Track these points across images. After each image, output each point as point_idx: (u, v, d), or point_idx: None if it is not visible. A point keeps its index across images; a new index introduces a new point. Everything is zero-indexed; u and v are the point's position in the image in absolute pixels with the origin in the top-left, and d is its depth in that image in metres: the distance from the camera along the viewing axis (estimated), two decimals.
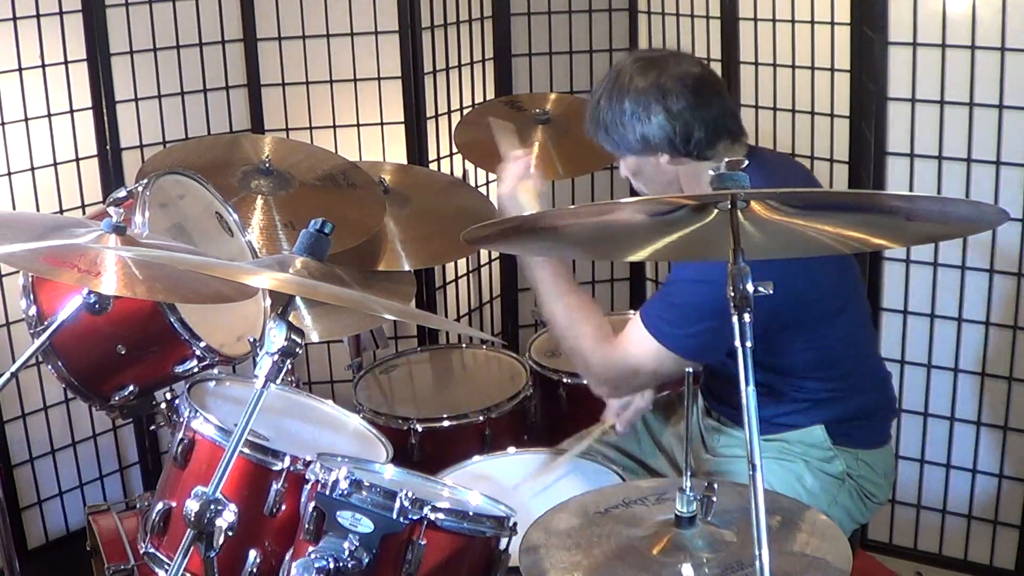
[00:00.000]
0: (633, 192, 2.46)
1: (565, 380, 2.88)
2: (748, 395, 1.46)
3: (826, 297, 2.22)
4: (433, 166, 3.54)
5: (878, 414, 2.39)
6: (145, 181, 2.29)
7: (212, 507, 1.61)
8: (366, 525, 1.77)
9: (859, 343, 2.35)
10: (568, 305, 2.31)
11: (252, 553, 1.95)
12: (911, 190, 2.92)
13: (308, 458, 1.95)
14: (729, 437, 2.40)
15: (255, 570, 1.95)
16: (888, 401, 2.44)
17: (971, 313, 2.93)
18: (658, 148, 2.20)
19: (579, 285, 2.38)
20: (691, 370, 1.80)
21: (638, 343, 2.20)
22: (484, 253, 3.83)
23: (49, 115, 2.96)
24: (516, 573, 1.75)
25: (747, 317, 1.48)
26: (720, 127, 2.20)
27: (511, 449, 2.46)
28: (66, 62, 2.97)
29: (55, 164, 3.00)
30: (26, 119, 2.92)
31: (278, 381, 1.71)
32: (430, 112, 3.50)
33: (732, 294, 1.49)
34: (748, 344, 1.48)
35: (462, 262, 3.73)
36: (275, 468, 1.96)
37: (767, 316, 2.09)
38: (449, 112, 3.59)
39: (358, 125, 3.45)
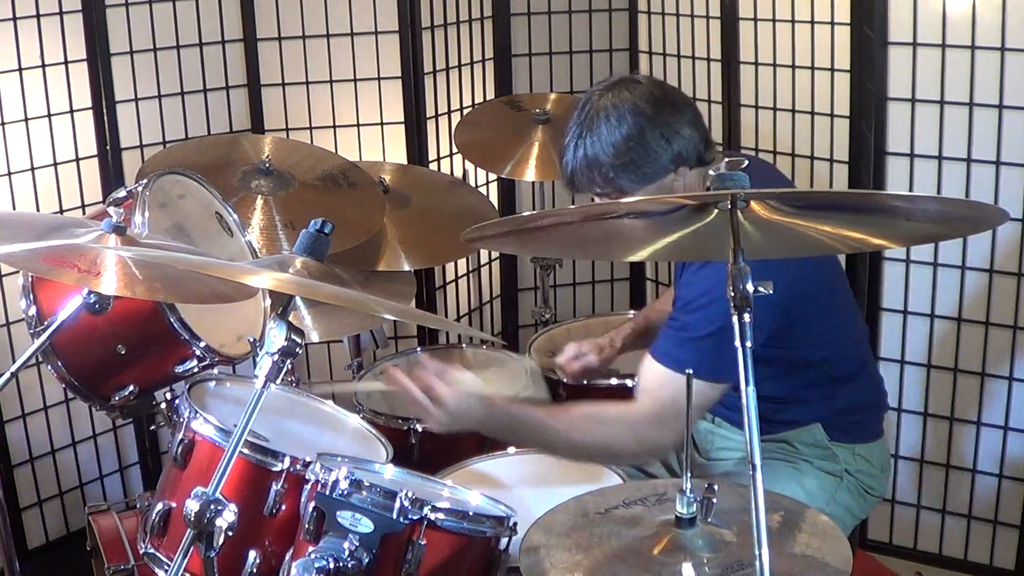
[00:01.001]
0: None
1: (565, 380, 2.87)
2: (748, 395, 1.46)
3: (823, 288, 2.24)
4: (433, 166, 3.54)
5: (872, 407, 2.40)
6: (145, 181, 2.29)
7: (212, 507, 1.60)
8: (366, 525, 1.77)
9: (851, 335, 2.36)
10: (559, 434, 2.17)
11: (252, 553, 1.95)
12: (911, 190, 2.92)
13: (308, 458, 1.95)
14: (724, 439, 2.40)
15: (255, 570, 1.95)
16: (880, 394, 2.45)
17: (971, 313, 2.93)
18: (686, 160, 2.15)
19: (525, 408, 2.23)
20: (690, 371, 1.80)
21: (665, 387, 2.12)
22: (484, 253, 3.83)
23: (49, 115, 2.96)
24: (516, 573, 1.75)
25: (747, 317, 1.48)
26: (705, 129, 2.21)
27: (511, 449, 2.46)
28: (66, 62, 2.96)
29: (55, 164, 3.00)
30: (26, 119, 2.92)
31: (278, 381, 1.71)
32: (430, 112, 3.50)
33: (732, 294, 1.49)
34: (748, 344, 1.48)
35: (462, 262, 3.73)
36: (275, 469, 1.96)
37: (780, 312, 2.11)
38: (449, 112, 3.59)
39: (358, 125, 3.45)
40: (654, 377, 2.15)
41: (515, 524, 1.89)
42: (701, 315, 2.10)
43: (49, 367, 2.22)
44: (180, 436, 2.04)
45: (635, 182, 2.15)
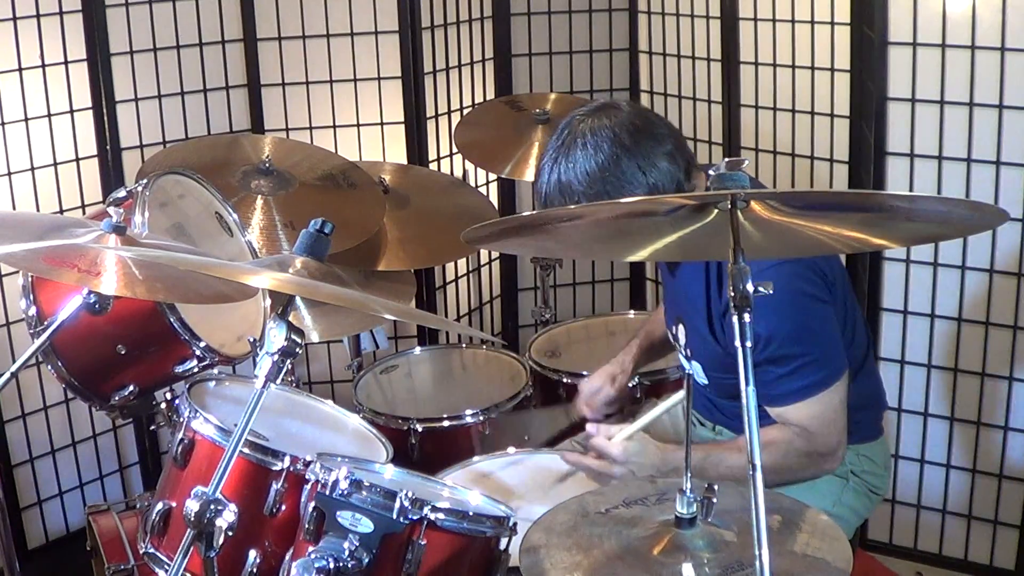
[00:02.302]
0: None
1: (565, 380, 2.88)
2: (748, 395, 1.45)
3: (836, 282, 2.23)
4: (433, 166, 3.54)
5: (873, 406, 2.40)
6: (145, 181, 2.29)
7: (212, 507, 1.60)
8: (366, 525, 1.77)
9: (855, 335, 2.36)
10: (736, 462, 2.14)
11: (252, 553, 1.94)
12: (911, 190, 2.92)
13: (308, 458, 1.95)
14: None
15: (255, 570, 1.95)
16: (880, 392, 2.45)
17: (971, 313, 2.93)
18: (662, 192, 2.10)
19: (699, 447, 2.19)
20: (690, 371, 1.80)
21: (804, 418, 2.12)
22: (484, 253, 3.83)
23: (49, 115, 2.96)
24: (516, 573, 1.75)
25: (747, 317, 1.48)
26: (688, 155, 2.16)
27: (511, 449, 2.46)
28: (66, 62, 2.97)
29: (55, 164, 3.00)
30: (26, 119, 2.92)
31: (278, 381, 1.71)
32: (430, 112, 3.50)
33: (732, 294, 1.49)
34: (748, 344, 1.47)
35: (462, 262, 3.73)
36: (275, 468, 1.96)
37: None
38: (449, 112, 3.59)
39: (358, 125, 3.45)
40: (794, 414, 2.13)
41: (515, 524, 1.89)
42: (791, 343, 2.08)
43: (49, 367, 2.22)
44: (180, 436, 2.04)
45: None
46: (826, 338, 2.14)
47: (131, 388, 2.24)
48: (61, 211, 3.02)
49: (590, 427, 2.26)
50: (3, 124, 2.89)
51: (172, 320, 2.14)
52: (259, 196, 2.85)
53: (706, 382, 2.32)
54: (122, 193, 2.30)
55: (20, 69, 2.89)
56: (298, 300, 2.52)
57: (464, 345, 3.29)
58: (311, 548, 1.77)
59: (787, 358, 2.08)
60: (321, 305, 2.93)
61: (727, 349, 2.17)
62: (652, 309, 3.40)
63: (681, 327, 2.32)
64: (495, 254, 3.86)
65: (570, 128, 2.13)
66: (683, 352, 2.34)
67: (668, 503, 1.77)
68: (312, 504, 1.82)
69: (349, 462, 1.95)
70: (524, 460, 2.42)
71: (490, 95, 3.69)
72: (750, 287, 1.49)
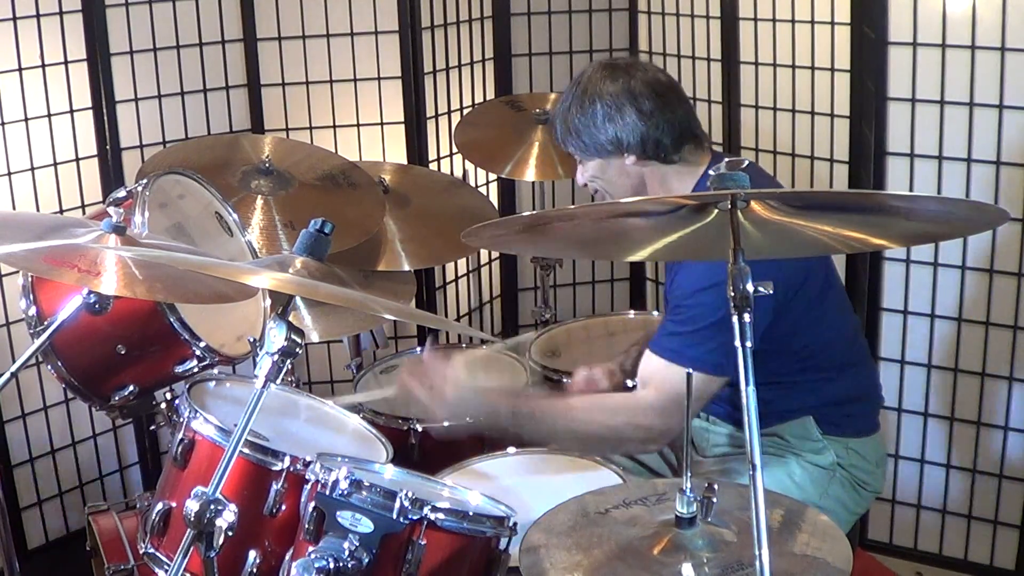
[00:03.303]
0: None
1: (565, 380, 2.87)
2: (748, 395, 1.46)
3: (815, 278, 2.26)
4: (433, 166, 3.54)
5: (865, 401, 2.40)
6: (145, 181, 2.29)
7: (212, 507, 1.60)
8: (366, 525, 1.77)
9: (839, 327, 2.37)
10: (560, 422, 2.26)
11: (252, 553, 1.94)
12: (911, 190, 2.92)
13: (308, 458, 1.94)
14: (716, 435, 2.41)
15: (255, 570, 1.94)
16: (874, 388, 2.46)
17: (971, 313, 2.93)
18: (627, 149, 2.27)
19: (526, 398, 2.35)
20: (690, 370, 1.80)
21: (667, 378, 2.17)
22: (484, 253, 3.83)
23: (49, 115, 2.96)
24: (516, 573, 1.75)
25: (747, 317, 1.48)
26: (685, 131, 2.28)
27: (511, 449, 2.46)
28: (66, 62, 2.97)
29: (55, 164, 3.00)
30: (26, 119, 2.92)
31: (278, 381, 1.71)
32: (430, 112, 3.50)
33: (732, 294, 1.49)
34: (748, 344, 1.48)
35: (462, 262, 3.73)
36: (275, 468, 1.96)
37: (776, 305, 2.12)
38: (449, 112, 3.59)
39: (358, 125, 3.45)
40: (655, 369, 2.20)
41: (515, 524, 1.89)
42: (698, 309, 2.14)
43: (49, 367, 2.22)
44: (180, 436, 2.04)
45: (578, 149, 2.33)
46: (729, 334, 2.12)
47: (131, 388, 2.24)
48: (61, 211, 3.02)
49: (426, 356, 2.39)
50: (3, 124, 2.89)
51: (172, 320, 2.14)
52: (259, 196, 2.85)
53: None
54: (122, 193, 2.30)
55: (20, 69, 2.89)
56: (298, 300, 2.52)
57: (464, 345, 3.29)
58: (311, 548, 1.77)
59: (694, 317, 2.15)
60: (321, 305, 2.93)
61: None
62: (652, 309, 3.39)
63: None
64: (495, 254, 3.86)
65: (581, 72, 2.34)
66: None
67: (668, 503, 1.78)
68: (312, 504, 1.82)
69: (349, 462, 1.95)
70: (524, 460, 2.42)
71: (490, 95, 3.69)
72: (750, 287, 1.49)
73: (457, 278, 3.74)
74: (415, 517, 1.77)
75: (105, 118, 3.06)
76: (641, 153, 2.27)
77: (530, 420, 2.26)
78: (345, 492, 1.78)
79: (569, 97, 2.31)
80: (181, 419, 2.06)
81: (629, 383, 2.60)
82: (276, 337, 1.69)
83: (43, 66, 2.93)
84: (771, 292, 1.50)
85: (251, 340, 2.30)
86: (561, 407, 2.30)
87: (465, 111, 3.61)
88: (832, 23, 3.04)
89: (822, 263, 2.29)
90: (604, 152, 2.30)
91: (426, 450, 2.68)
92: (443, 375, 2.29)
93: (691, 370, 2.07)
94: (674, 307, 2.22)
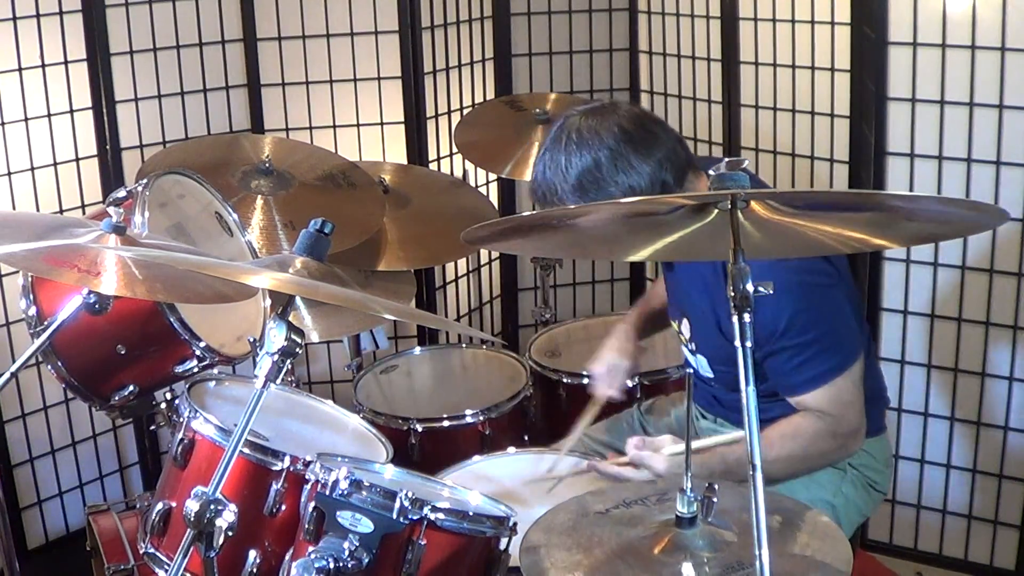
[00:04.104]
0: None
1: (565, 380, 2.88)
2: (748, 395, 1.46)
3: (842, 271, 2.24)
4: (433, 166, 3.54)
5: (874, 402, 2.40)
6: (145, 181, 2.29)
7: (212, 507, 1.60)
8: (366, 525, 1.77)
9: (863, 331, 2.37)
10: (778, 454, 2.15)
11: (252, 553, 1.95)
12: (911, 190, 2.92)
13: (308, 458, 1.95)
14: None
15: (255, 570, 1.95)
16: (881, 389, 2.45)
17: (971, 313, 2.93)
18: (644, 195, 2.12)
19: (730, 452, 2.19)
20: (690, 370, 1.80)
21: (828, 401, 2.13)
22: (484, 253, 3.83)
23: (49, 115, 2.96)
24: (516, 573, 1.75)
25: (747, 317, 1.48)
26: (684, 161, 2.17)
27: (511, 449, 2.46)
28: (66, 62, 2.97)
29: (55, 164, 3.00)
30: (26, 119, 2.92)
31: (278, 381, 1.71)
32: (430, 112, 3.50)
33: (732, 294, 1.49)
34: (748, 344, 1.48)
35: (462, 262, 3.73)
36: (275, 468, 1.96)
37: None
38: (449, 112, 3.59)
39: (358, 125, 3.45)
40: (810, 402, 2.14)
41: (515, 524, 1.89)
42: (795, 334, 2.09)
43: (49, 367, 2.22)
44: (180, 436, 2.04)
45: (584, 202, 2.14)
46: (838, 322, 2.15)
47: (131, 388, 2.24)
48: (61, 211, 3.02)
49: (632, 441, 2.22)
50: (3, 124, 2.89)
51: (172, 320, 2.14)
52: (259, 196, 2.85)
53: (711, 375, 2.32)
54: (122, 193, 2.30)
55: (20, 69, 2.89)
56: (298, 300, 2.52)
57: (464, 345, 3.29)
58: (311, 548, 1.77)
59: (802, 346, 2.10)
60: (321, 305, 2.93)
61: (733, 341, 2.17)
62: None
63: (685, 321, 2.33)
64: (495, 254, 3.86)
65: (563, 126, 2.16)
66: (688, 346, 2.34)
67: (668, 503, 1.77)
68: (312, 504, 1.82)
69: (349, 462, 1.95)
70: (524, 460, 2.42)
71: (490, 95, 3.69)
72: (750, 287, 1.49)
73: (457, 278, 3.74)
74: (415, 517, 1.78)
75: (105, 118, 3.06)
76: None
77: (738, 466, 2.14)
78: (345, 492, 1.79)
79: (561, 154, 2.13)
80: (181, 419, 2.06)
81: (630, 383, 2.59)
82: (276, 337, 1.69)
83: (43, 66, 2.93)
84: (771, 292, 1.50)
85: (251, 340, 2.30)
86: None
87: (465, 111, 3.61)
88: (832, 23, 3.04)
89: (845, 269, 2.27)
90: None
91: (426, 450, 2.69)
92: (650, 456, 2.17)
93: (834, 378, 2.10)
94: (777, 350, 2.13)
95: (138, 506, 2.56)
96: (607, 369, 2.54)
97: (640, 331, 2.63)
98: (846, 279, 2.23)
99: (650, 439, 2.23)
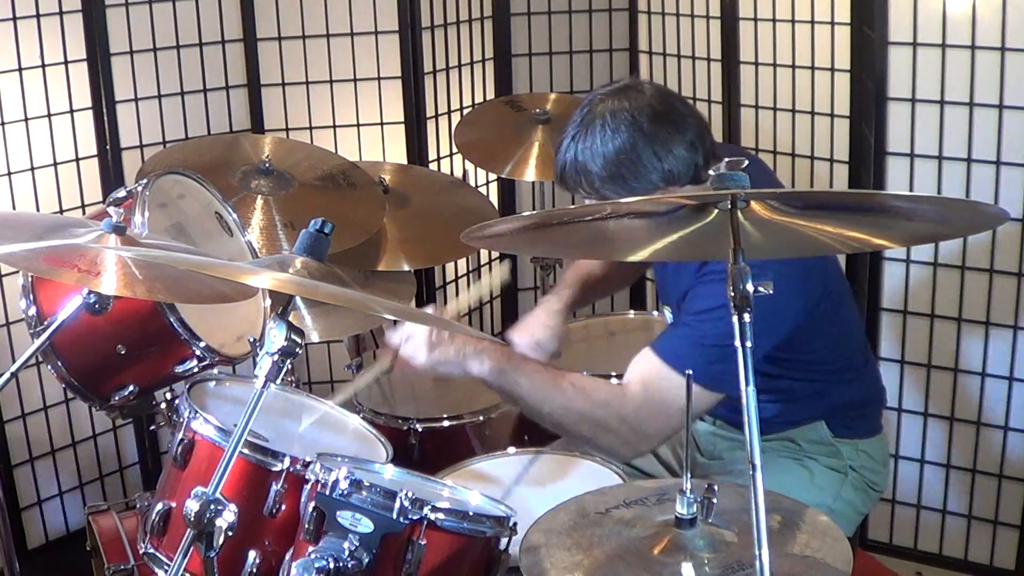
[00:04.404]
0: None
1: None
2: (748, 395, 1.45)
3: (837, 283, 2.25)
4: (433, 166, 3.54)
5: (872, 402, 2.41)
6: (145, 181, 2.29)
7: (212, 507, 1.60)
8: (366, 525, 1.76)
9: (855, 330, 2.37)
10: (548, 399, 2.16)
11: (252, 553, 1.94)
12: (911, 190, 2.92)
13: (308, 458, 1.94)
14: (731, 441, 2.40)
15: (255, 570, 1.94)
16: (879, 389, 2.46)
17: (971, 313, 2.93)
18: (677, 179, 2.11)
19: (527, 362, 2.22)
20: (690, 371, 1.80)
21: (663, 382, 2.11)
22: (484, 253, 3.83)
23: (49, 115, 2.96)
24: (516, 573, 1.75)
25: (747, 317, 1.48)
26: (710, 141, 2.16)
27: (511, 449, 2.46)
28: (66, 62, 2.97)
29: (55, 164, 3.00)
30: (26, 119, 2.92)
31: (278, 381, 1.71)
32: (430, 112, 3.50)
33: (732, 294, 1.49)
34: (748, 344, 1.48)
35: (462, 262, 3.73)
36: (275, 468, 1.96)
37: (805, 314, 2.12)
38: (449, 112, 3.59)
39: (358, 125, 3.45)
40: (652, 370, 2.14)
41: (515, 524, 1.89)
42: (716, 326, 2.07)
43: (49, 367, 2.22)
44: (180, 436, 2.04)
45: (619, 195, 2.11)
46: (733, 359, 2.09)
47: (131, 388, 2.24)
48: (61, 211, 3.02)
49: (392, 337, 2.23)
50: (3, 124, 2.89)
51: (172, 320, 2.14)
52: (259, 196, 2.85)
53: None
54: (122, 193, 2.30)
55: (20, 69, 2.89)
56: (298, 300, 2.52)
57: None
58: (311, 548, 1.77)
59: (696, 324, 2.11)
60: (321, 305, 2.93)
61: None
62: (652, 309, 3.39)
63: (667, 311, 2.36)
64: (495, 254, 3.86)
65: (591, 107, 2.14)
66: None
67: (668, 503, 1.77)
68: (312, 504, 1.82)
69: (349, 462, 1.95)
70: (524, 460, 2.42)
71: (490, 95, 3.69)
72: (750, 287, 1.49)
73: (457, 278, 3.74)
74: (415, 517, 1.77)
75: (105, 118, 3.06)
76: (689, 180, 2.11)
77: (515, 385, 2.16)
78: (345, 492, 1.78)
79: (595, 137, 2.09)
80: (181, 419, 2.05)
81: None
82: (276, 337, 1.69)
83: (43, 66, 2.93)
84: (771, 292, 1.50)
85: (251, 340, 2.30)
86: (551, 382, 2.17)
87: (465, 111, 3.61)
88: (832, 23, 3.04)
89: (834, 267, 2.28)
90: (650, 190, 2.10)
91: (426, 450, 2.69)
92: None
93: (678, 369, 2.07)
94: (686, 320, 2.16)
95: (138, 506, 2.55)
96: (530, 345, 2.53)
97: (571, 307, 2.65)
98: (835, 297, 2.21)
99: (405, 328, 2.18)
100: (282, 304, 1.74)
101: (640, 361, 2.18)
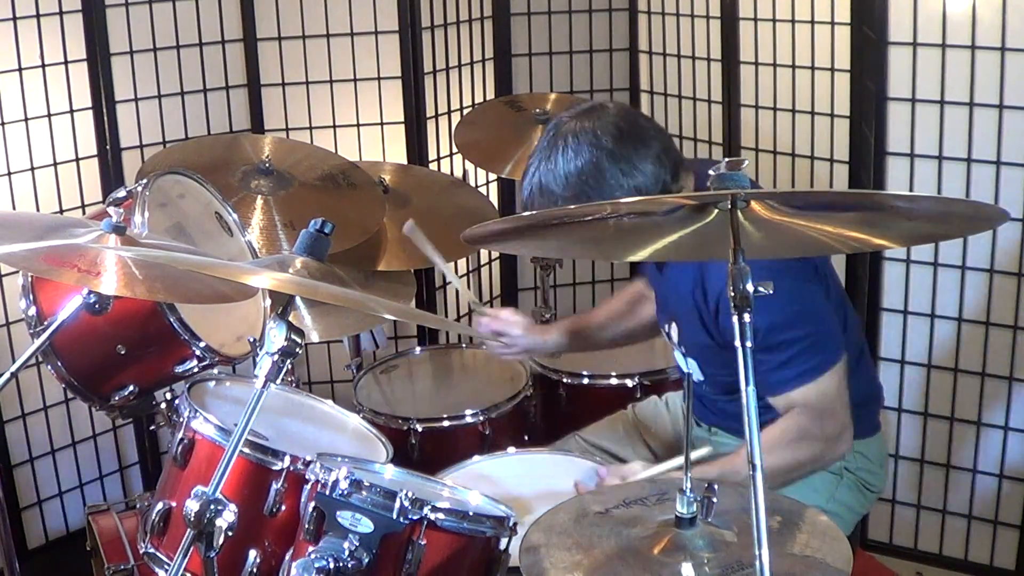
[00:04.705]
0: None
1: (565, 380, 2.88)
2: (748, 395, 1.45)
3: (828, 276, 2.24)
4: (433, 166, 3.54)
5: (868, 402, 2.40)
6: (145, 181, 2.29)
7: (212, 507, 1.60)
8: (366, 525, 1.77)
9: (848, 329, 2.37)
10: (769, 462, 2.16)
11: (252, 553, 1.94)
12: (911, 190, 2.92)
13: (308, 458, 1.95)
14: (725, 447, 2.40)
15: (255, 570, 1.95)
16: (877, 388, 2.45)
17: (971, 313, 2.93)
18: (647, 195, 2.09)
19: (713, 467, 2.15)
20: (689, 371, 1.80)
21: (808, 399, 2.10)
22: (484, 253, 3.83)
23: (49, 115, 2.96)
24: (516, 573, 1.75)
25: (747, 317, 1.48)
26: (676, 157, 2.16)
27: (511, 449, 2.46)
28: (66, 62, 2.97)
29: (55, 164, 3.00)
30: (26, 119, 2.92)
31: (278, 381, 1.71)
32: (430, 112, 3.50)
33: (732, 294, 1.49)
34: (748, 344, 1.47)
35: (462, 262, 3.73)
36: (275, 468, 1.96)
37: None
38: (449, 112, 3.59)
39: (358, 125, 3.45)
40: (790, 401, 2.12)
41: (515, 524, 1.89)
42: (787, 332, 2.08)
43: (49, 367, 2.22)
44: (180, 436, 2.04)
45: None
46: (819, 321, 2.13)
47: (131, 388, 2.24)
48: (61, 211, 3.02)
49: (601, 472, 2.23)
50: (3, 124, 2.89)
51: (172, 320, 2.14)
52: (259, 196, 2.85)
53: (702, 378, 2.32)
54: (122, 193, 2.30)
55: (20, 69, 2.89)
56: (298, 300, 2.52)
57: (464, 345, 3.29)
58: (311, 548, 1.77)
59: (783, 344, 2.08)
60: (321, 305, 2.93)
61: (720, 343, 2.17)
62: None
63: (674, 325, 2.33)
64: (495, 254, 3.86)
65: (555, 130, 2.14)
66: (679, 349, 2.34)
67: (668, 503, 1.77)
68: (312, 504, 1.82)
69: (349, 462, 1.95)
70: (524, 460, 2.42)
71: (490, 95, 3.69)
72: (750, 287, 1.49)
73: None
74: (415, 517, 1.77)
75: (105, 118, 3.06)
76: (658, 195, 2.10)
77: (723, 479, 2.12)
78: (345, 492, 1.78)
79: (557, 159, 2.10)
80: (181, 419, 2.06)
81: (629, 383, 2.57)
82: (276, 337, 1.69)
83: (43, 66, 2.93)
84: (771, 292, 1.50)
85: (251, 340, 2.30)
86: (740, 462, 2.10)
87: (465, 111, 3.61)
88: (832, 23, 3.04)
89: (825, 268, 2.28)
90: None
91: (426, 450, 2.69)
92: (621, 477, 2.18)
93: (818, 376, 2.07)
94: (761, 350, 2.06)
95: (138, 506, 2.55)
96: (503, 325, 2.56)
97: (567, 334, 2.64)
98: (824, 276, 2.21)
99: (617, 468, 2.22)
100: (282, 304, 1.74)
101: (775, 403, 2.14)
